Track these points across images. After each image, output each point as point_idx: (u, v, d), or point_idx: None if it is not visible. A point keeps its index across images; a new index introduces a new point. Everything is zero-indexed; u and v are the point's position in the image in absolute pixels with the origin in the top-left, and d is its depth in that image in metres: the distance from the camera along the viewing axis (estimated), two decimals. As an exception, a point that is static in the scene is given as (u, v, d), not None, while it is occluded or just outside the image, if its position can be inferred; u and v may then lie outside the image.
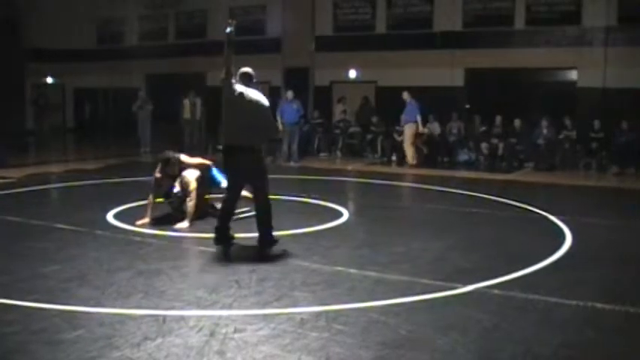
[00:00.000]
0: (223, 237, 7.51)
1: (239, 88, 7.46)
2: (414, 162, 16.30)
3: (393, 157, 17.07)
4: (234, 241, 7.58)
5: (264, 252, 7.29)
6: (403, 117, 16.46)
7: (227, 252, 7.32)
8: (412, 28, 19.09)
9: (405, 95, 16.40)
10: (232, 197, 7.64)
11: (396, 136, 17.11)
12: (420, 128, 16.41)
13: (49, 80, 26.44)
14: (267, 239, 7.50)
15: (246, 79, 7.59)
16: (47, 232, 8.30)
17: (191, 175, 8.85)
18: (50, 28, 24.21)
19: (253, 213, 7.78)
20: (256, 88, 7.70)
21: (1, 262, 6.92)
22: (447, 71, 18.15)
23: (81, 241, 7.81)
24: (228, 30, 7.43)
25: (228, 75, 7.43)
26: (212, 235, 7.60)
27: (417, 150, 16.53)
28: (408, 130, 16.35)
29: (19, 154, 17.66)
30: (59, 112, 27.24)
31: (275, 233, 7.63)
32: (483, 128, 16.98)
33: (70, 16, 24.62)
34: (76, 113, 27.55)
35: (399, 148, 16.88)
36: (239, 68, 7.60)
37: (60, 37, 24.78)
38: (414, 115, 16.22)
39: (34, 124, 25.97)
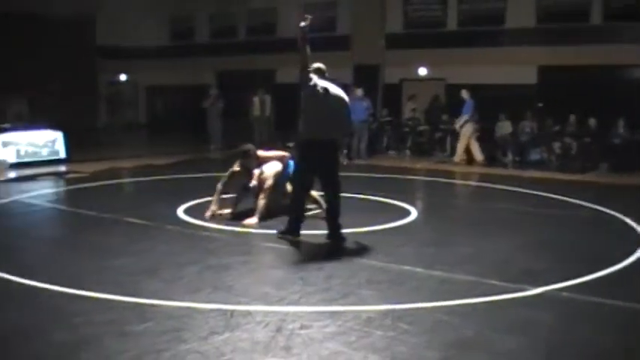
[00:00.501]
0: (293, 232, 7.56)
1: (321, 82, 7.49)
2: (479, 162, 16.21)
3: (463, 156, 16.86)
4: (300, 238, 7.61)
5: (333, 248, 7.31)
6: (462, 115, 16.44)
7: (294, 249, 7.35)
8: (484, 25, 18.81)
9: (464, 93, 16.28)
10: (303, 194, 7.68)
11: (471, 137, 16.87)
12: (458, 125, 16.49)
13: (123, 77, 27.07)
14: (336, 235, 7.53)
15: (321, 74, 7.61)
16: (118, 226, 8.51)
17: (270, 171, 8.86)
18: (123, 26, 24.79)
19: (320, 211, 7.81)
20: (335, 83, 7.74)
21: (72, 254, 7.13)
22: (519, 69, 17.82)
23: (151, 235, 7.97)
24: (302, 24, 7.44)
25: (306, 69, 7.45)
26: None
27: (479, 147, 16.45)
28: (468, 128, 16.19)
29: (91, 149, 18.12)
30: (132, 108, 27.89)
31: (342, 231, 7.65)
32: (556, 127, 16.59)
33: (142, 14, 25.15)
34: (148, 110, 28.15)
35: (467, 147, 16.67)
36: (310, 65, 7.63)
37: (133, 34, 25.36)
38: (472, 113, 16.13)
39: (107, 120, 26.66)
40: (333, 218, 7.63)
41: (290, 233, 7.63)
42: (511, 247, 7.59)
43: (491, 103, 16.54)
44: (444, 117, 18.12)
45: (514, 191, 12.13)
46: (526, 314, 5.30)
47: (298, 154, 7.82)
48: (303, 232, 7.68)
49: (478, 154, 16.41)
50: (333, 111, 7.53)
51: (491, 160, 16.53)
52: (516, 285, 5.98)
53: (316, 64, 7.67)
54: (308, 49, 7.46)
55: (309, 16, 7.53)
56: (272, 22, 23.29)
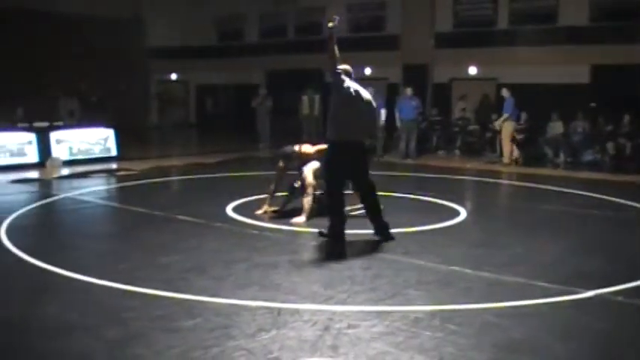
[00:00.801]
0: (336, 236, 7.54)
1: (352, 84, 7.49)
2: (512, 160, 16.09)
3: (513, 157, 16.63)
4: (345, 241, 7.58)
5: (381, 247, 7.28)
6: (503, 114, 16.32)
7: (342, 248, 7.33)
8: (535, 23, 18.54)
9: (505, 92, 16.14)
10: (340, 194, 7.62)
11: (516, 134, 16.65)
12: (497, 124, 16.42)
13: (174, 77, 27.41)
14: (382, 233, 7.52)
15: (348, 76, 7.63)
16: (168, 223, 8.61)
17: (308, 169, 8.90)
18: (174, 26, 25.10)
19: (363, 210, 7.81)
20: (362, 85, 7.75)
21: (123, 250, 7.24)
22: (571, 68, 17.52)
23: (200, 233, 8.04)
24: (330, 25, 7.43)
25: (336, 69, 7.48)
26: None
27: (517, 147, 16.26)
28: (508, 127, 16.05)
29: (142, 147, 18.38)
30: (183, 107, 28.23)
31: (391, 231, 7.61)
32: (610, 127, 16.26)
33: (192, 14, 25.43)
34: (198, 109, 28.46)
35: (518, 147, 16.45)
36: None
37: (183, 34, 25.67)
38: (512, 112, 16.03)
39: (158, 119, 27.03)
40: (374, 217, 7.61)
41: (332, 237, 7.55)
42: (561, 249, 7.47)
43: (543, 102, 16.28)
44: (494, 117, 17.89)
45: (565, 192, 11.92)
46: (577, 318, 5.21)
47: (328, 155, 7.78)
48: (351, 231, 7.64)
49: (507, 154, 16.20)
50: (362, 112, 7.54)
51: (533, 160, 16.22)
52: (567, 287, 5.87)
53: (343, 66, 7.63)
54: (337, 50, 7.45)
55: (337, 17, 7.51)
56: (320, 21, 23.30)
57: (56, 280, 6.08)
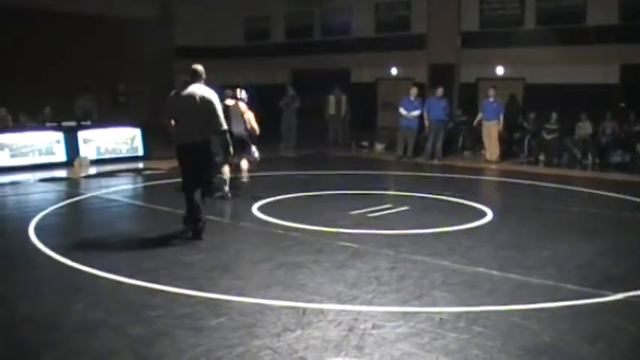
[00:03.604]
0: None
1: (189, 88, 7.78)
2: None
3: (541, 157, 16.48)
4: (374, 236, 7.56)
5: (406, 248, 7.24)
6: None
7: (367, 248, 7.31)
8: (564, 23, 18.32)
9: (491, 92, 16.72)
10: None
11: (545, 134, 16.49)
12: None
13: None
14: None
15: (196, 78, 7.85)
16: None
17: None
18: (199, 27, 25.19)
19: None
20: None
21: (149, 249, 7.27)
22: (600, 68, 17.30)
23: (225, 232, 8.07)
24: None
25: None
26: (354, 230, 7.66)
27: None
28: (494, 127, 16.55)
29: (169, 147, 18.43)
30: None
31: (417, 231, 7.58)
32: (639, 128, 16.04)
33: (218, 15, 25.50)
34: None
35: (546, 148, 16.30)
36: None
37: (208, 34, 25.74)
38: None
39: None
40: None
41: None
42: (590, 251, 7.37)
43: (572, 103, 16.09)
44: (519, 117, 17.73)
45: (593, 194, 11.80)
46: (606, 321, 5.13)
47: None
48: (377, 232, 7.61)
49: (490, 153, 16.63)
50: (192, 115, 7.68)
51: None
52: (596, 290, 5.80)
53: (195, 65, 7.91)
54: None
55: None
56: (347, 21, 23.29)
57: (83, 278, 6.12)
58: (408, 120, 16.90)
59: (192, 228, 7.61)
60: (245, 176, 10.76)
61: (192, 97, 7.65)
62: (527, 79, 18.78)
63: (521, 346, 4.55)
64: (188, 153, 7.67)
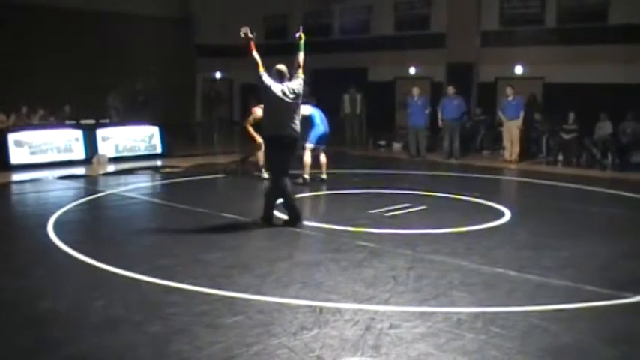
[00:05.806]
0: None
1: (277, 85, 8.27)
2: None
3: (559, 157, 16.37)
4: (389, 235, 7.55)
5: (424, 248, 7.22)
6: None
7: (384, 247, 7.29)
8: (585, 21, 18.17)
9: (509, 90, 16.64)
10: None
11: (563, 134, 16.38)
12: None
13: (218, 75, 27.62)
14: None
15: (281, 76, 8.42)
16: (211, 220, 8.66)
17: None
18: (218, 25, 25.26)
19: None
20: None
21: (167, 246, 7.30)
22: (623, 67, 17.14)
23: (243, 231, 8.08)
24: (242, 35, 8.38)
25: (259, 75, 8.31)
26: (372, 230, 7.64)
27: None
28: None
29: (188, 144, 18.53)
30: (227, 105, 28.42)
31: (435, 231, 7.55)
32: (660, 128, 15.88)
33: (237, 14, 25.56)
34: (242, 107, 28.60)
35: (565, 148, 16.19)
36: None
37: (229, 33, 25.77)
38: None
39: (202, 116, 27.26)
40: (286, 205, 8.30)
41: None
42: (609, 252, 7.31)
43: (592, 102, 15.96)
44: (536, 116, 17.60)
45: (613, 194, 11.70)
46: (627, 323, 5.09)
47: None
48: (395, 231, 7.59)
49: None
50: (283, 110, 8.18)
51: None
52: (616, 292, 5.75)
53: (278, 66, 8.60)
54: (257, 57, 8.39)
55: (246, 28, 8.51)
56: (366, 20, 23.25)
57: (102, 275, 6.16)
58: (414, 119, 16.94)
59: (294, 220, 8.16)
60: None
61: (289, 90, 8.31)
62: (547, 79, 18.66)
63: (540, 347, 4.51)
64: (285, 147, 8.11)
